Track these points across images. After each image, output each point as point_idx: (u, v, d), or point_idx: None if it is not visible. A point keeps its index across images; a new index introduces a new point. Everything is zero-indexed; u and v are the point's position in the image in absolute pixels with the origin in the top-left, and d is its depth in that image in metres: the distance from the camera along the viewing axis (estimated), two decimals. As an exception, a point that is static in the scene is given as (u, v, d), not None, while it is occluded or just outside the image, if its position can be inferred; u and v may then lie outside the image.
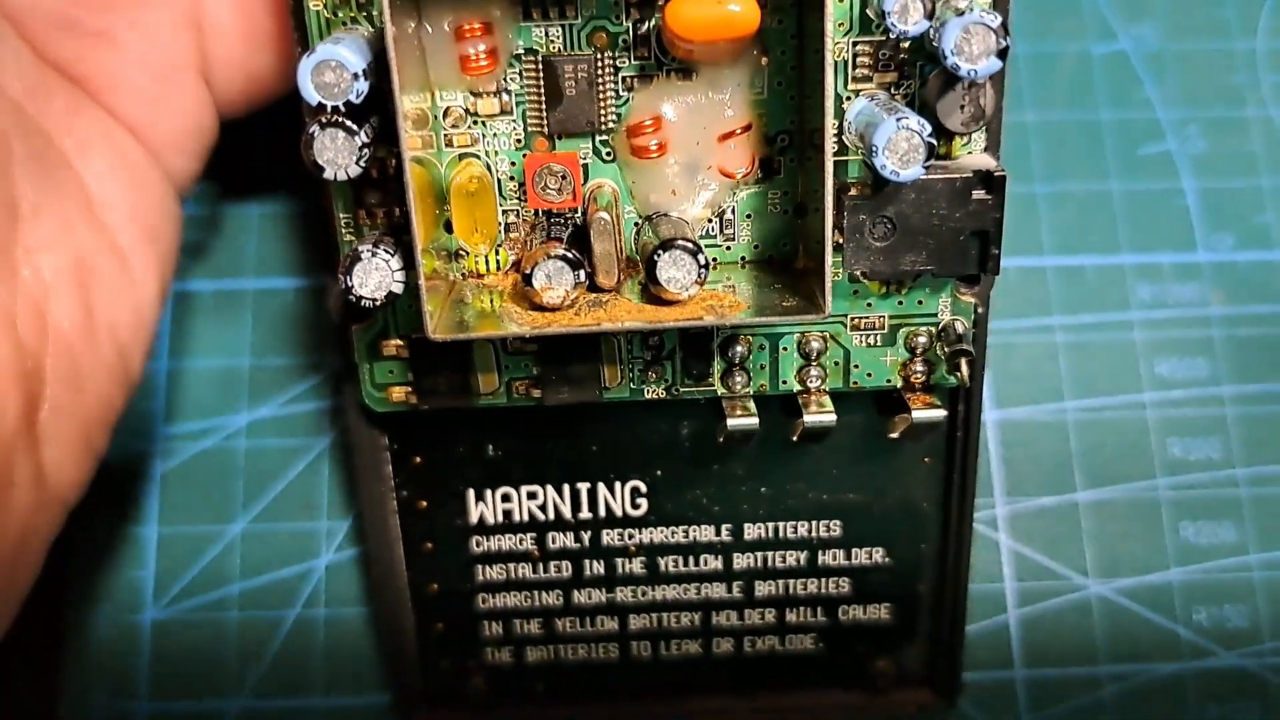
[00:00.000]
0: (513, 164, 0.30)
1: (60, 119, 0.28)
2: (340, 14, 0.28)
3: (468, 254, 0.30)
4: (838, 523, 0.37)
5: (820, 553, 0.37)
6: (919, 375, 0.33)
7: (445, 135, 0.30)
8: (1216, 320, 0.41)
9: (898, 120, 0.27)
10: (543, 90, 0.29)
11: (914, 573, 0.37)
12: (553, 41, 0.29)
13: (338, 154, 0.26)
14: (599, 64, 0.29)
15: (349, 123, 0.26)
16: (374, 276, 0.27)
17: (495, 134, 0.30)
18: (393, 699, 0.39)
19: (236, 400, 0.40)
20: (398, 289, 0.27)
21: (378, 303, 0.27)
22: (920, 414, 0.33)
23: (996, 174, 0.29)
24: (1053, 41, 0.43)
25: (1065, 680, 0.39)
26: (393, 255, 0.27)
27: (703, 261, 0.28)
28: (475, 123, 0.30)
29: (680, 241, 0.28)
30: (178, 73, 0.30)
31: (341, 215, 0.30)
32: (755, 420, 0.32)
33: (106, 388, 0.29)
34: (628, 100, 0.30)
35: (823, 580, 0.38)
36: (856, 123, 0.28)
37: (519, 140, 0.30)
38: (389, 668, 0.38)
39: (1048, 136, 0.42)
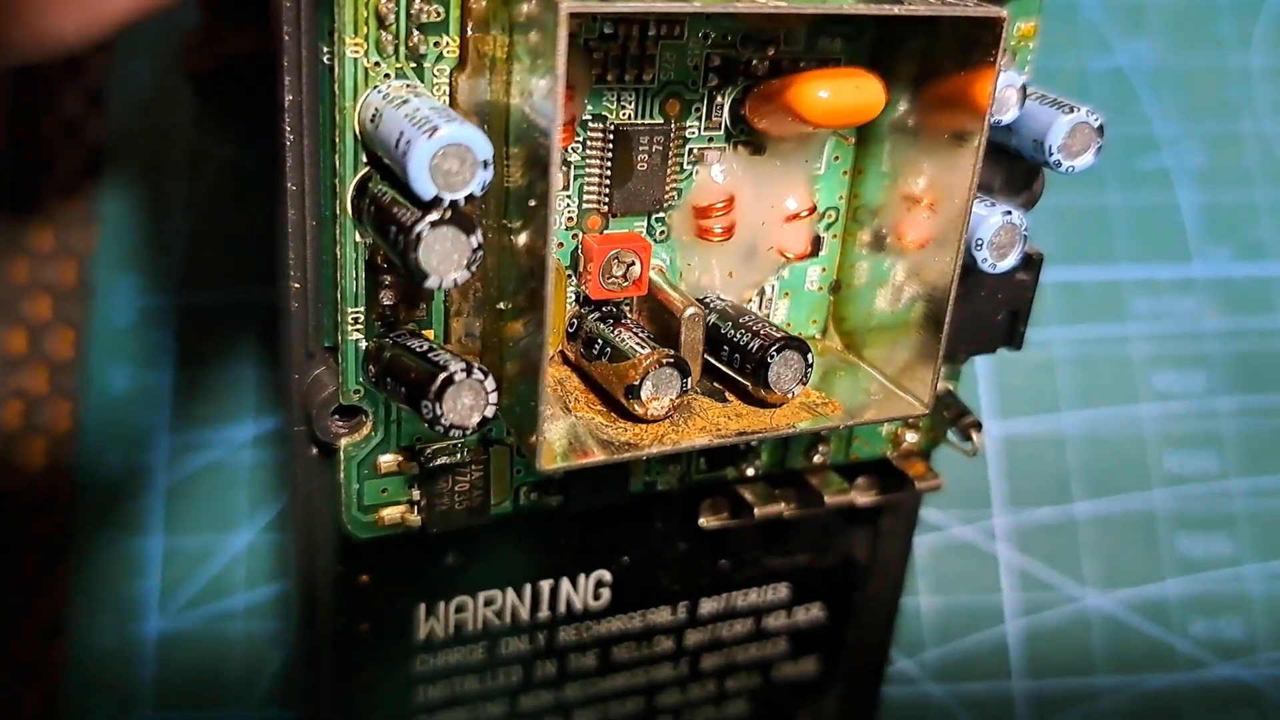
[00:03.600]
0: (560, 245, 0.29)
1: None
2: (384, 64, 0.26)
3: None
4: (785, 584, 0.39)
5: (765, 616, 0.40)
6: (910, 444, 0.36)
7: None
8: (1212, 334, 0.46)
9: (1004, 214, 0.29)
10: (612, 164, 0.28)
11: (844, 622, 0.40)
12: (624, 108, 0.28)
13: (447, 257, 0.24)
14: (670, 139, 0.28)
15: (465, 221, 0.24)
16: (465, 400, 0.25)
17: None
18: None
19: (242, 413, 0.41)
20: (490, 413, 0.26)
21: (468, 432, 0.25)
22: (922, 485, 0.36)
23: (1035, 256, 0.32)
24: (1051, 57, 0.46)
25: (1063, 691, 0.44)
26: (487, 375, 0.25)
27: (811, 360, 0.29)
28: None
29: (787, 341, 0.28)
30: None
31: (352, 310, 0.27)
32: (781, 507, 0.34)
33: None
34: (691, 175, 0.30)
35: (764, 642, 0.40)
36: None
37: (571, 219, 0.29)
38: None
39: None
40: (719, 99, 0.29)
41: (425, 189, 0.23)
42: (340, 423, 0.29)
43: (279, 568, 0.41)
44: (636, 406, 0.28)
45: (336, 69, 0.25)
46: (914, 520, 0.38)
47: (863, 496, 0.36)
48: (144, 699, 0.40)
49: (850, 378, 0.31)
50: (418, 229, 0.23)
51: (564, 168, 0.28)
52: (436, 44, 0.26)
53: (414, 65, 0.26)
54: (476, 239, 0.24)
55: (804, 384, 0.29)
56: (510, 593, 0.35)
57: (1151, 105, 0.46)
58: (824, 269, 0.32)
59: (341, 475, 0.30)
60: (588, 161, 0.28)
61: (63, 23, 0.30)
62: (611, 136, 0.28)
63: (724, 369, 0.30)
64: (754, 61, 0.29)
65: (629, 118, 0.28)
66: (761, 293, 0.32)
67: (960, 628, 0.44)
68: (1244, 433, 0.45)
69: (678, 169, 0.29)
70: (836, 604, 0.40)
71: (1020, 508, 0.45)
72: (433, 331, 0.28)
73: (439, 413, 0.25)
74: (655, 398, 0.28)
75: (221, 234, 0.42)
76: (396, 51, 0.26)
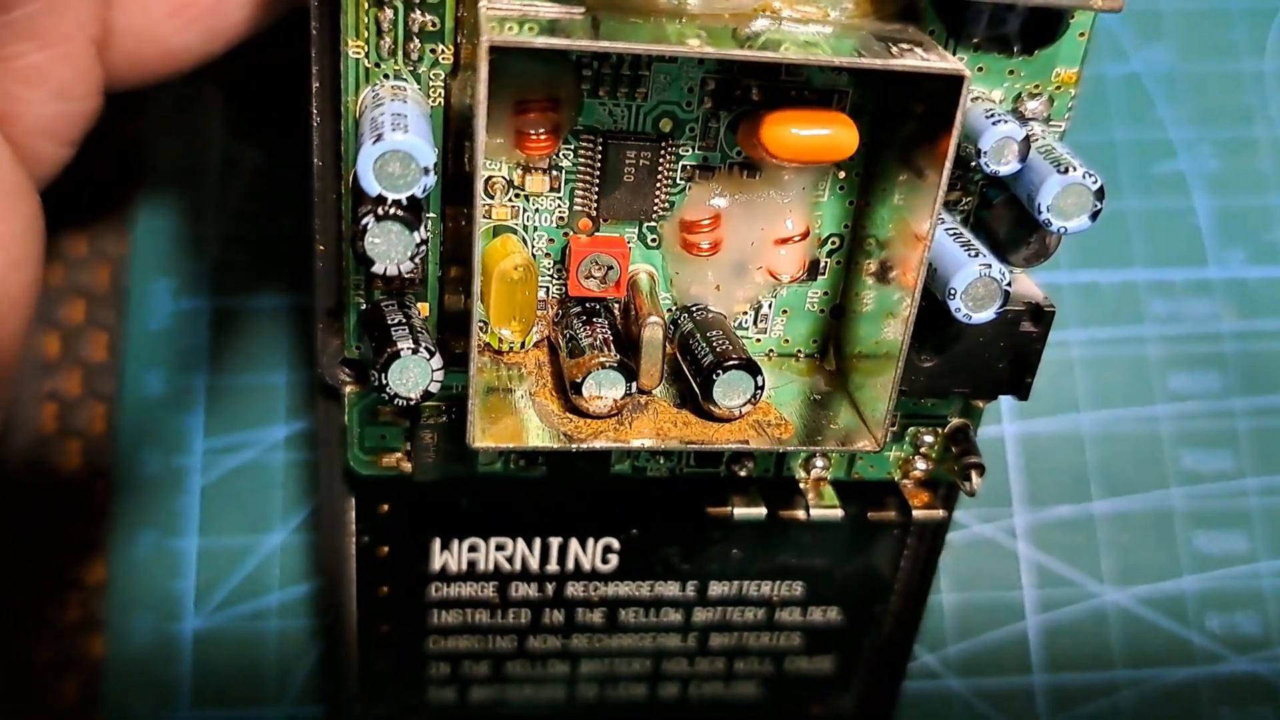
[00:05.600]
0: (551, 241, 0.31)
1: None
2: (384, 65, 0.28)
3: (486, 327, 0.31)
4: (800, 584, 0.40)
5: (778, 610, 0.41)
6: (919, 473, 0.36)
7: (484, 206, 0.30)
8: (1228, 335, 0.46)
9: (980, 267, 0.28)
10: (598, 173, 0.29)
11: (864, 630, 0.41)
12: (616, 121, 0.29)
13: (391, 248, 0.26)
14: (663, 152, 0.29)
15: (409, 216, 0.26)
16: (412, 375, 0.27)
17: (538, 210, 0.30)
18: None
19: (275, 414, 0.42)
20: (435, 388, 0.28)
21: (411, 402, 0.28)
22: (920, 514, 0.36)
23: (1046, 309, 0.32)
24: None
25: (1082, 685, 0.44)
26: (434, 354, 0.27)
27: (760, 383, 0.29)
28: (518, 195, 0.30)
29: (738, 362, 0.29)
30: (66, 42, 0.28)
31: (354, 277, 0.30)
32: (764, 511, 0.35)
33: None
34: (684, 190, 0.30)
35: (776, 634, 0.41)
36: (930, 255, 0.30)
37: (561, 218, 0.30)
38: (330, 705, 0.41)
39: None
40: (713, 122, 0.30)
41: (369, 187, 0.25)
42: (347, 372, 0.32)
43: (313, 566, 0.43)
44: (579, 402, 0.29)
45: (341, 67, 0.28)
46: (941, 541, 0.39)
47: (851, 513, 0.36)
48: (181, 696, 0.42)
49: (825, 404, 0.32)
50: (363, 221, 0.25)
51: (555, 172, 0.30)
52: (433, 51, 0.28)
53: (411, 69, 0.28)
54: (420, 234, 0.26)
55: (752, 404, 0.30)
56: (520, 542, 0.38)
57: (1167, 111, 0.47)
58: (825, 292, 0.33)
59: (345, 419, 0.33)
60: (579, 167, 0.30)
61: (189, 40, 0.31)
62: (601, 146, 0.29)
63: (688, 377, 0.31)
64: (752, 89, 0.29)
65: (622, 130, 0.29)
66: (757, 308, 0.33)
67: (981, 623, 0.45)
68: (1259, 432, 0.46)
69: (670, 183, 0.30)
70: (856, 611, 0.41)
71: (1039, 506, 0.45)
72: (426, 305, 0.31)
73: (384, 382, 0.27)
74: (597, 396, 0.29)
75: (254, 238, 0.43)
76: (394, 55, 0.28)
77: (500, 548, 0.38)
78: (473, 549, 0.38)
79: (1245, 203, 0.46)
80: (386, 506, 0.36)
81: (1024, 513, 0.45)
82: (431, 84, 0.28)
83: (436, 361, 0.28)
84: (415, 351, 0.27)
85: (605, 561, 0.38)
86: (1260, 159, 0.46)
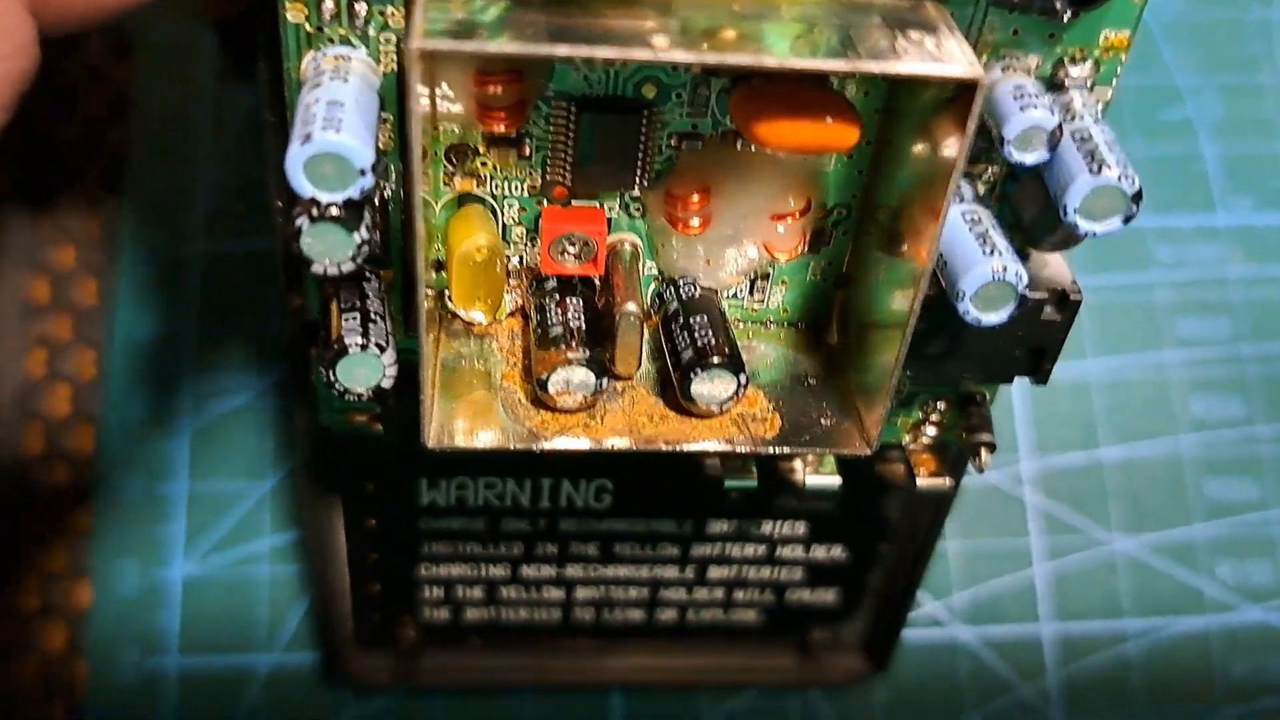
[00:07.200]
0: (523, 210, 0.28)
1: None
2: (328, 30, 0.24)
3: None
4: (803, 523, 0.38)
5: (780, 547, 0.39)
6: (928, 439, 0.34)
7: (446, 172, 0.27)
8: (1236, 281, 0.45)
9: (994, 272, 0.25)
10: (574, 142, 0.26)
11: (868, 565, 0.40)
12: (592, 86, 0.26)
13: (329, 250, 0.23)
14: (645, 123, 0.26)
15: (347, 217, 0.23)
16: (361, 372, 0.25)
17: (507, 178, 0.27)
18: (323, 662, 0.41)
19: (267, 359, 0.41)
20: (388, 384, 0.26)
21: (363, 397, 0.26)
22: (924, 482, 0.34)
23: (1073, 296, 0.28)
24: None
25: (1091, 634, 0.44)
26: (385, 349, 0.25)
27: (743, 381, 0.27)
28: (484, 163, 0.27)
29: (719, 360, 0.26)
30: None
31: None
32: (754, 482, 0.33)
33: None
34: (671, 157, 0.27)
35: (777, 568, 0.40)
36: (941, 245, 0.26)
37: (534, 187, 0.27)
38: (320, 629, 0.40)
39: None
40: (704, 89, 0.26)
41: (301, 189, 0.22)
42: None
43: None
44: (545, 398, 0.27)
45: (280, 30, 0.24)
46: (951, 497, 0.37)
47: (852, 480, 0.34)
48: (169, 643, 0.41)
49: (819, 391, 0.29)
50: (297, 222, 0.23)
51: (527, 140, 0.26)
52: (381, 13, 0.24)
53: (359, 33, 0.24)
54: (360, 236, 0.23)
55: (734, 401, 0.27)
56: (510, 481, 0.36)
57: (1172, 57, 0.45)
58: (829, 263, 0.30)
59: (312, 378, 0.31)
60: (551, 137, 0.26)
61: None
62: (574, 116, 0.26)
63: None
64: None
65: (597, 97, 0.26)
66: (752, 280, 0.30)
67: (988, 571, 0.44)
68: (1269, 378, 0.44)
69: (656, 150, 0.27)
70: (860, 549, 0.39)
71: (1047, 452, 0.44)
72: (391, 271, 0.28)
73: (332, 378, 0.25)
74: (564, 393, 0.27)
75: (246, 183, 0.41)
76: (338, 19, 0.24)
77: (490, 486, 0.36)
78: (461, 487, 0.36)
79: (1253, 149, 0.46)
80: (364, 456, 0.35)
81: (1031, 460, 0.44)
82: (383, 48, 0.24)
83: (389, 357, 0.25)
84: (364, 348, 0.25)
85: (599, 500, 0.37)
86: (1267, 106, 0.46)
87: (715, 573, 0.40)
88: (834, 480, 0.34)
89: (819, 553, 0.39)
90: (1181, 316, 0.44)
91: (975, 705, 0.43)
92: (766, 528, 0.38)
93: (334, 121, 0.22)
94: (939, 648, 0.43)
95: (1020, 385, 0.44)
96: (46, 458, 0.41)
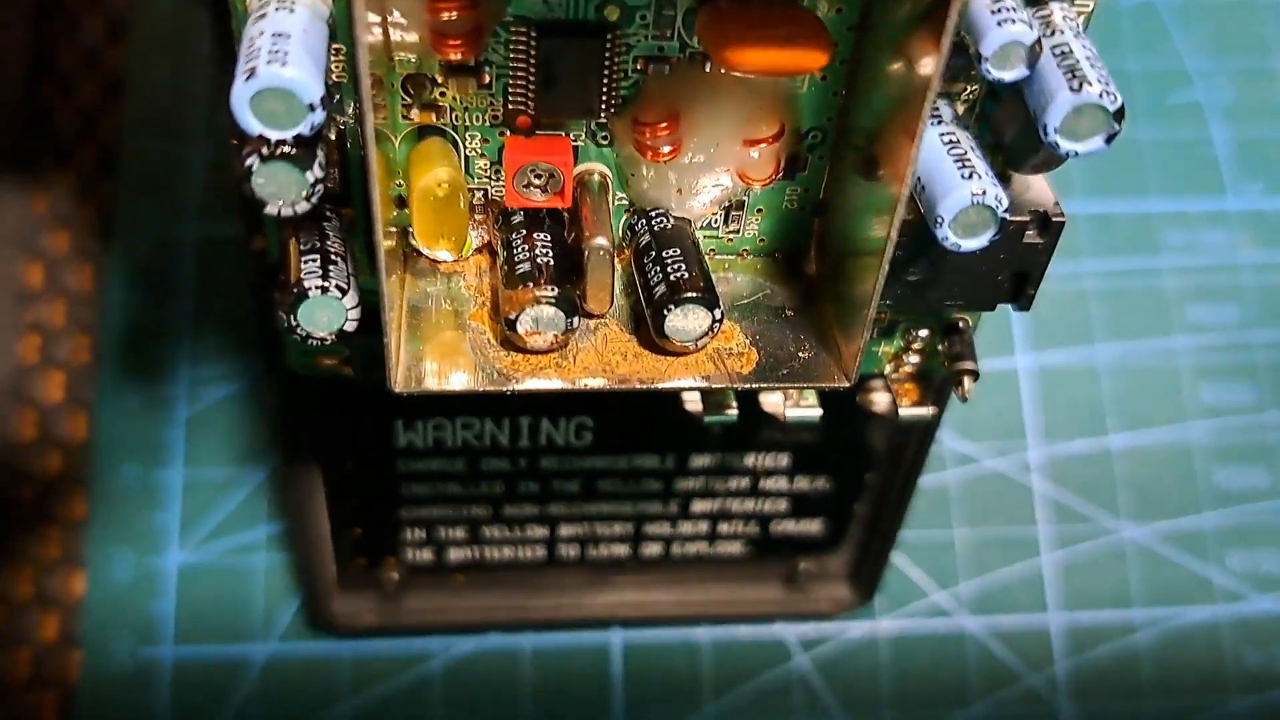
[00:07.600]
0: (486, 141, 0.27)
1: None
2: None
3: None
4: (786, 454, 0.38)
5: (763, 479, 0.39)
6: (910, 367, 0.33)
7: (404, 104, 0.26)
8: (1246, 266, 0.44)
9: (974, 195, 0.24)
10: (535, 68, 0.25)
11: (853, 495, 0.39)
12: (552, 9, 0.24)
13: (282, 190, 0.22)
14: (608, 48, 0.25)
15: (300, 154, 0.22)
16: (323, 315, 0.24)
17: (467, 109, 0.26)
18: (306, 608, 0.41)
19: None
20: (351, 327, 0.25)
21: (327, 341, 0.25)
22: (906, 412, 0.33)
23: (1055, 219, 0.27)
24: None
25: (1099, 623, 0.43)
26: (346, 291, 0.24)
27: (718, 315, 0.26)
28: (443, 94, 0.26)
29: (693, 295, 0.26)
30: None
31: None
32: (735, 416, 0.32)
33: None
34: (637, 82, 0.26)
35: (761, 500, 0.39)
36: (919, 169, 0.25)
37: (495, 117, 0.26)
38: (301, 573, 0.40)
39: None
40: (668, 10, 0.25)
41: (248, 126, 0.21)
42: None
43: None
44: (515, 339, 0.26)
45: None
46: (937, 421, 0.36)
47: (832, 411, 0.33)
48: (163, 632, 0.40)
49: (797, 323, 0.28)
50: (248, 162, 0.22)
51: (486, 68, 0.25)
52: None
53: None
54: (314, 174, 0.22)
55: (709, 337, 0.26)
56: (488, 421, 0.36)
57: (1182, 40, 0.45)
58: (805, 189, 0.28)
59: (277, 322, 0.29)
60: (511, 63, 0.25)
61: None
62: (534, 41, 0.25)
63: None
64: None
65: (559, 20, 0.25)
66: (727, 209, 0.29)
67: (995, 560, 0.43)
68: (1279, 365, 0.44)
69: (622, 75, 0.26)
70: (845, 479, 0.39)
71: (1055, 440, 0.43)
72: (353, 210, 0.27)
73: (293, 323, 0.25)
74: (534, 333, 0.26)
75: (229, 164, 0.40)
76: None
77: (467, 426, 0.36)
78: (438, 428, 0.36)
79: (1263, 133, 0.45)
80: (335, 400, 0.34)
81: (1038, 447, 0.43)
82: (337, -33, 0.23)
83: (350, 299, 0.24)
84: (325, 291, 0.24)
85: (579, 438, 0.36)
86: (1278, 89, 0.45)
87: (699, 506, 0.39)
88: (815, 412, 0.33)
89: (803, 484, 0.39)
90: (1191, 302, 0.44)
91: (982, 695, 0.42)
92: (749, 460, 0.38)
93: (280, 54, 0.21)
94: (946, 637, 0.43)
95: (1027, 371, 0.43)
96: (39, 444, 0.40)
